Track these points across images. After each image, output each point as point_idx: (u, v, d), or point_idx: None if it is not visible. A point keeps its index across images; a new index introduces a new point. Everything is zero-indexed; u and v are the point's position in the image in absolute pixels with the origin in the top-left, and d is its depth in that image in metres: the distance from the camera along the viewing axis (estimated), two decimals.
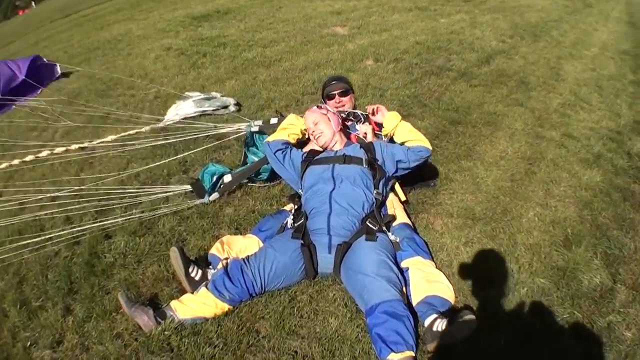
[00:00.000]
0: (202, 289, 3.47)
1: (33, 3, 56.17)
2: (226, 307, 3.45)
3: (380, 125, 4.59)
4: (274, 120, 5.33)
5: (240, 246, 3.92)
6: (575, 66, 10.54)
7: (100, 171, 5.71)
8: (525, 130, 6.70)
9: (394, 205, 4.27)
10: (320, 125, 4.34)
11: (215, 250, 3.87)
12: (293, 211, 4.20)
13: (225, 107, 7.13)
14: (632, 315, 3.54)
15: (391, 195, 4.40)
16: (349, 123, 4.85)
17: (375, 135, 4.66)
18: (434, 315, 3.24)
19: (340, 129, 4.48)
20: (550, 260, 4.06)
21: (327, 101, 4.95)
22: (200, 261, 3.89)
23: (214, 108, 7.05)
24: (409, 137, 4.26)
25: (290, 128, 4.59)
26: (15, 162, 6.23)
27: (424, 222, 4.52)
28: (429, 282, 3.49)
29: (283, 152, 4.41)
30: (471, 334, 3.07)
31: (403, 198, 4.49)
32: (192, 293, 3.52)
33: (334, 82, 4.99)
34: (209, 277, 3.65)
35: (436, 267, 3.75)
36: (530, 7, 16.46)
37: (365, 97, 7.42)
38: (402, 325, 3.02)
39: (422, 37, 11.17)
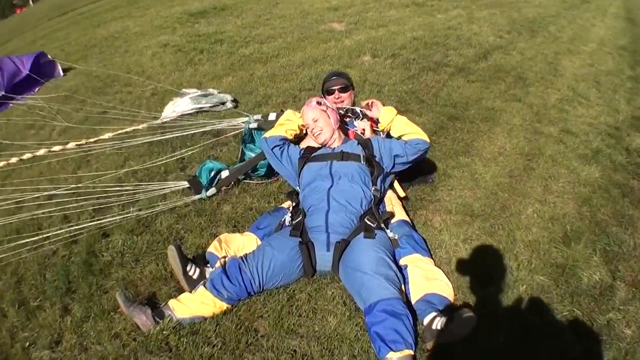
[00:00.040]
0: (200, 288, 3.45)
1: (30, 1, 56.08)
2: (224, 306, 3.43)
3: (376, 121, 4.57)
4: (272, 116, 5.31)
5: (238, 244, 3.91)
6: (573, 62, 10.53)
7: (97, 169, 5.71)
8: (523, 126, 6.69)
9: (392, 202, 4.26)
10: (320, 123, 4.29)
11: (213, 248, 3.85)
12: (291, 209, 4.18)
13: (222, 103, 7.12)
14: (631, 313, 3.53)
15: (389, 192, 4.40)
16: (347, 119, 4.82)
17: (374, 131, 4.63)
18: (433, 314, 3.23)
19: (339, 125, 4.46)
20: (550, 257, 4.05)
21: (327, 96, 4.92)
22: (198, 259, 3.87)
23: (211, 105, 7.03)
24: (405, 131, 4.22)
25: (287, 124, 4.56)
26: (13, 160, 6.22)
27: (423, 218, 4.51)
28: (428, 279, 3.48)
29: (280, 148, 4.38)
30: (470, 332, 3.06)
31: (402, 194, 4.49)
32: (190, 292, 3.50)
33: (334, 78, 4.96)
34: (207, 275, 3.63)
35: (435, 265, 3.74)
36: (527, 3, 16.44)
37: (363, 93, 7.41)
38: (401, 324, 3.01)
39: (420, 32, 11.15)
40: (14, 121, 7.91)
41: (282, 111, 5.04)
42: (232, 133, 6.01)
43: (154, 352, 3.17)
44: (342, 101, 4.85)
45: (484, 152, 5.80)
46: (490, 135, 6.30)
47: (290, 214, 4.08)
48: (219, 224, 4.52)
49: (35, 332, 3.49)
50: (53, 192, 5.14)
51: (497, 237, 4.27)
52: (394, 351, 2.89)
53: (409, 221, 4.18)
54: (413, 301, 3.39)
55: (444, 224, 4.42)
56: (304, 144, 4.60)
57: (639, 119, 7.43)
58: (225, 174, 4.96)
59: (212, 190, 4.87)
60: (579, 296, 3.65)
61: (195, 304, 3.38)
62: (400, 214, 4.13)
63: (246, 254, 3.66)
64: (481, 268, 3.89)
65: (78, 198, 4.95)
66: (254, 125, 5.30)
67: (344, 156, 4.13)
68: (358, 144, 4.26)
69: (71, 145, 6.32)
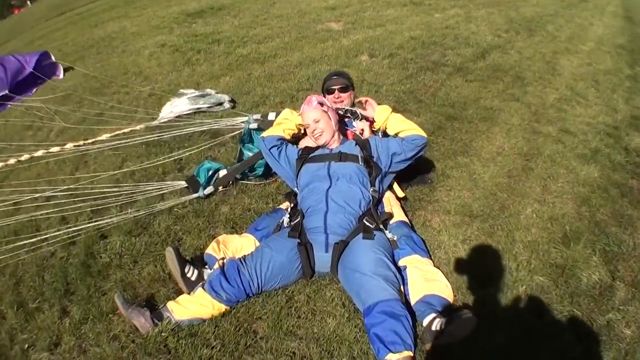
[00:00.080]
0: (199, 290, 3.45)
1: (28, 2, 56.02)
2: (223, 307, 3.43)
3: (372, 120, 4.56)
4: (271, 116, 5.31)
5: (236, 245, 3.90)
6: (572, 61, 10.52)
7: (95, 170, 5.70)
8: (521, 126, 6.68)
9: (390, 203, 4.26)
10: (320, 124, 4.24)
11: (211, 250, 3.85)
12: (289, 209, 4.16)
13: (220, 104, 7.10)
14: (631, 313, 3.53)
15: (388, 193, 4.39)
16: (346, 120, 4.81)
17: (373, 132, 4.62)
18: (433, 315, 3.23)
19: (338, 126, 4.44)
20: (549, 257, 4.05)
21: (326, 95, 4.90)
22: (196, 261, 3.88)
23: (209, 105, 7.02)
24: (401, 127, 4.20)
25: (285, 123, 4.55)
26: (11, 161, 6.21)
27: (421, 219, 4.50)
28: (427, 280, 3.47)
29: (278, 148, 4.37)
30: (470, 333, 3.06)
31: (401, 195, 4.48)
32: (189, 294, 3.50)
33: (335, 77, 4.94)
34: (206, 277, 3.63)
35: (434, 265, 3.73)
36: (525, 1, 16.43)
37: (361, 93, 7.34)
38: (400, 325, 3.01)
39: (417, 32, 11.13)
40: (12, 122, 7.91)
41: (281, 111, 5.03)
42: (231, 134, 5.99)
43: (152, 354, 3.16)
44: (342, 101, 4.83)
45: (482, 152, 5.80)
46: (488, 135, 6.29)
47: (288, 215, 4.07)
48: (217, 225, 4.51)
49: (34, 334, 3.48)
50: (51, 193, 5.13)
51: (496, 237, 4.26)
52: (393, 352, 2.89)
53: (408, 222, 4.17)
54: (412, 302, 3.39)
55: (443, 225, 4.41)
56: (302, 144, 4.58)
57: (637, 119, 7.43)
58: (223, 173, 4.95)
59: (210, 189, 4.86)
60: (579, 296, 3.65)
61: (193, 306, 3.37)
62: (399, 215, 4.12)
63: (244, 256, 3.65)
64: (480, 269, 3.88)
65: (76, 199, 4.93)
66: (253, 125, 5.29)
67: (341, 157, 4.12)
68: (356, 144, 4.25)
69: (69, 146, 6.31)
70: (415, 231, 4.14)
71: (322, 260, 3.63)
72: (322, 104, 4.33)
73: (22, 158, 6.23)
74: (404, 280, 3.51)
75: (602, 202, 4.94)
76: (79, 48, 12.87)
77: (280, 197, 4.80)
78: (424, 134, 4.11)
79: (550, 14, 15.18)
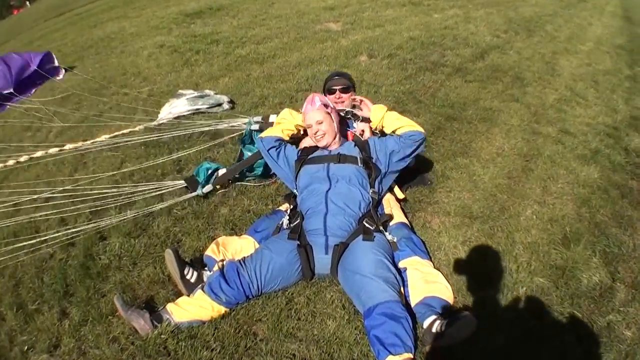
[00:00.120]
0: (198, 292, 3.44)
1: (27, 2, 56.01)
2: (223, 309, 3.42)
3: (367, 120, 4.55)
4: (272, 118, 5.29)
5: (235, 247, 3.89)
6: (571, 61, 10.53)
7: (94, 171, 5.68)
8: (521, 127, 6.68)
9: (390, 204, 4.25)
10: (323, 126, 4.20)
11: (210, 251, 3.84)
12: (289, 211, 4.16)
13: (219, 104, 7.10)
14: (631, 314, 3.53)
15: (387, 194, 4.38)
16: (347, 120, 4.79)
17: (373, 133, 4.61)
18: (433, 317, 3.22)
19: (339, 128, 4.43)
20: (549, 258, 4.05)
21: (327, 95, 4.88)
22: (196, 263, 3.87)
23: (208, 106, 7.01)
24: (397, 125, 4.19)
25: (283, 123, 4.54)
26: (10, 162, 6.20)
27: (421, 220, 4.50)
28: (428, 282, 3.46)
29: (277, 149, 4.36)
30: (470, 334, 3.05)
31: (401, 196, 4.48)
32: (188, 295, 3.49)
33: (336, 77, 4.92)
34: (205, 279, 3.63)
35: (434, 267, 3.73)
36: (524, 1, 16.45)
37: (360, 94, 7.27)
38: (401, 327, 3.00)
39: (416, 32, 11.13)
40: (11, 123, 7.89)
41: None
42: (230, 136, 5.98)
43: (152, 356, 3.16)
44: (343, 101, 4.82)
45: (482, 153, 5.79)
46: (488, 135, 6.29)
47: (288, 217, 4.06)
48: (216, 226, 4.50)
49: (34, 335, 3.48)
50: (50, 194, 5.12)
51: (496, 239, 4.25)
52: (393, 355, 2.88)
53: (408, 223, 4.17)
54: (412, 304, 3.38)
55: (443, 226, 4.40)
56: (302, 145, 4.56)
57: (637, 119, 7.44)
58: (222, 172, 4.94)
59: (209, 187, 4.85)
60: (579, 298, 3.64)
61: (193, 308, 3.36)
62: (398, 216, 4.12)
63: (244, 257, 3.65)
64: (480, 270, 3.88)
65: (75, 200, 4.92)
66: (255, 126, 5.28)
67: (340, 159, 4.12)
68: (355, 145, 4.24)
69: (68, 147, 6.30)
70: (415, 233, 4.14)
71: (322, 262, 3.63)
72: (326, 105, 4.29)
73: (21, 159, 6.22)
74: (404, 282, 3.50)
75: (602, 203, 4.94)
76: (78, 48, 12.87)
77: (279, 198, 4.79)
78: (421, 130, 4.10)
79: (549, 14, 15.20)
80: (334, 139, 4.27)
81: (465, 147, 5.92)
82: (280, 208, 4.43)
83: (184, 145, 5.97)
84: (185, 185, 5.03)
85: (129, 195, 4.93)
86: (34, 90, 9.43)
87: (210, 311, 3.38)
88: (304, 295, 3.60)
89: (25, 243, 4.35)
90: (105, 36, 13.39)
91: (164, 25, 12.96)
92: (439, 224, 4.45)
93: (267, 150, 4.33)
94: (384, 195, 4.29)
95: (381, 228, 3.86)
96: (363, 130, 4.54)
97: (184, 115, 6.89)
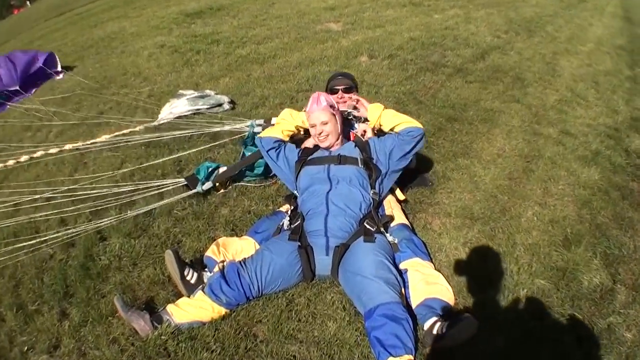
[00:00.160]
0: (199, 293, 3.43)
1: (28, 2, 56.00)
2: (223, 310, 3.41)
3: (364, 120, 4.55)
4: (274, 120, 5.28)
5: (236, 248, 3.88)
6: (571, 62, 10.53)
7: (94, 171, 5.67)
8: (522, 127, 6.68)
9: (391, 206, 4.24)
10: (328, 128, 4.18)
11: (211, 252, 3.83)
12: (289, 212, 4.16)
13: (220, 105, 7.09)
14: (632, 317, 3.53)
15: (388, 195, 4.36)
16: (352, 121, 4.78)
17: (375, 133, 4.60)
18: (434, 318, 3.22)
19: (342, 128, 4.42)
20: (550, 260, 4.04)
21: (330, 95, 4.89)
22: (196, 264, 3.86)
23: (208, 106, 7.01)
24: (395, 122, 4.16)
25: (283, 124, 4.52)
26: (10, 162, 6.19)
27: (422, 222, 4.49)
28: (428, 284, 3.46)
29: (276, 150, 4.35)
30: (471, 336, 3.04)
31: (402, 197, 4.48)
32: (189, 297, 3.48)
33: (339, 77, 4.92)
34: (205, 280, 3.62)
35: (435, 269, 3.72)
36: (524, 2, 16.44)
37: (360, 94, 7.35)
38: (401, 329, 2.99)
39: (417, 33, 11.14)
40: (11, 123, 7.88)
41: None
42: (232, 138, 5.98)
43: (152, 357, 3.15)
44: (345, 102, 4.82)
45: (483, 153, 5.79)
46: (489, 136, 6.29)
47: (288, 218, 4.06)
48: (216, 227, 4.49)
49: (34, 336, 3.47)
50: (50, 194, 5.12)
51: (497, 240, 4.25)
52: (393, 356, 2.87)
53: (409, 224, 4.16)
54: (413, 306, 3.37)
55: (444, 227, 4.40)
56: (304, 145, 4.54)
57: (637, 120, 7.44)
58: (223, 169, 4.94)
59: (209, 184, 4.86)
60: (580, 300, 3.64)
61: (193, 309, 3.35)
62: (399, 218, 4.11)
63: (245, 259, 3.64)
64: (481, 272, 3.87)
65: (75, 199, 4.93)
66: (258, 129, 5.29)
67: (341, 160, 4.11)
68: (355, 146, 4.23)
69: (68, 147, 6.29)
70: (416, 234, 4.13)
71: (323, 263, 3.62)
72: (332, 106, 4.25)
73: (22, 159, 6.22)
74: (405, 284, 3.49)
75: (603, 204, 4.93)
76: (78, 48, 12.88)
77: (280, 199, 4.79)
78: (419, 125, 4.07)
79: (550, 15, 15.19)
80: (337, 140, 4.26)
81: (466, 148, 5.92)
82: (281, 209, 4.42)
83: (184, 145, 5.97)
84: (186, 183, 5.03)
85: (129, 194, 4.93)
86: (34, 91, 9.42)
87: (211, 312, 3.37)
88: (304, 296, 3.59)
89: (25, 243, 4.34)
90: (105, 36, 13.41)
91: (165, 25, 12.98)
92: (440, 225, 4.45)
93: (267, 152, 4.33)
94: (385, 196, 4.28)
95: (382, 229, 3.85)
96: (365, 131, 4.52)
97: (184, 116, 6.88)
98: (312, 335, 3.30)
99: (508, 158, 5.72)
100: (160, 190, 4.98)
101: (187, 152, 5.72)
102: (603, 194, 5.12)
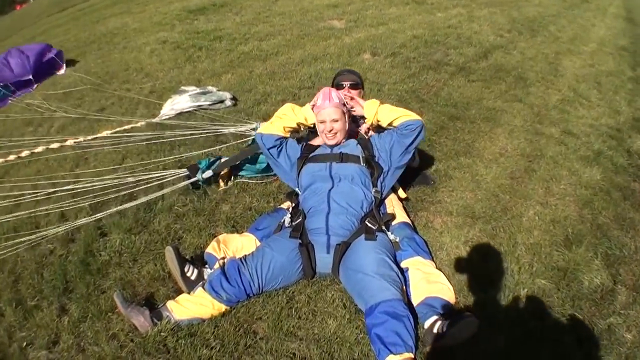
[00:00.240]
0: (199, 289, 3.43)
1: None
2: (223, 307, 3.41)
3: (360, 118, 4.53)
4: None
5: (236, 245, 3.89)
6: (574, 62, 10.51)
7: (95, 167, 5.67)
8: (524, 127, 6.67)
9: (392, 204, 4.23)
10: (338, 125, 4.11)
11: (211, 249, 3.83)
12: (290, 210, 4.15)
13: (222, 101, 7.09)
14: (632, 317, 3.53)
15: (390, 194, 4.35)
16: (358, 119, 4.77)
17: (373, 131, 4.59)
18: (435, 317, 3.22)
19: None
20: (551, 260, 4.04)
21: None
22: (197, 260, 3.87)
23: (210, 102, 7.00)
24: (393, 116, 4.08)
25: (284, 120, 4.35)
26: (11, 157, 6.19)
27: (424, 220, 4.49)
28: (429, 282, 3.46)
29: (278, 148, 4.27)
30: (471, 335, 3.04)
31: (403, 195, 4.47)
32: (189, 293, 3.48)
33: (346, 73, 4.90)
34: (205, 276, 3.62)
35: (436, 267, 3.72)
36: (527, 1, 16.42)
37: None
38: (402, 326, 2.99)
39: (420, 31, 11.13)
40: (13, 117, 7.87)
41: None
42: (237, 142, 5.96)
43: (151, 353, 3.15)
44: (352, 98, 4.80)
45: (485, 152, 5.78)
46: (491, 135, 6.28)
47: (289, 215, 4.05)
48: (217, 223, 4.49)
49: (33, 331, 3.47)
50: (52, 189, 5.11)
51: (499, 239, 4.25)
52: (393, 354, 2.87)
53: (410, 223, 4.16)
54: (414, 304, 3.38)
55: (445, 226, 4.39)
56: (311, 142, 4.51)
57: (639, 121, 7.40)
58: (225, 159, 4.94)
59: (209, 173, 4.86)
60: (580, 300, 3.64)
61: (193, 306, 3.36)
62: (401, 216, 4.10)
63: (245, 256, 3.64)
64: (482, 271, 3.87)
65: (76, 195, 4.91)
66: None
67: (343, 158, 4.08)
68: (357, 144, 4.20)
69: (69, 142, 6.29)
70: (417, 232, 4.13)
71: (324, 261, 3.62)
72: (343, 104, 4.18)
73: (22, 154, 6.21)
74: (406, 282, 3.49)
75: (605, 204, 4.92)
76: (81, 44, 12.87)
77: (281, 196, 4.78)
78: (417, 117, 4.01)
79: (553, 15, 15.17)
80: (344, 137, 4.23)
81: (468, 146, 5.91)
82: (282, 206, 4.42)
83: (185, 142, 5.96)
84: (187, 173, 5.02)
85: (130, 185, 4.93)
86: (35, 86, 9.42)
87: (211, 309, 3.37)
88: (304, 294, 3.59)
89: (25, 239, 4.34)
90: (108, 32, 13.39)
91: (167, 21, 12.96)
92: (441, 223, 4.44)
93: (268, 150, 4.28)
94: (387, 194, 4.27)
95: (383, 227, 3.85)
96: (368, 129, 4.51)
97: (186, 112, 6.88)
98: (312, 332, 3.30)
99: (510, 157, 5.71)
100: (161, 182, 4.98)
101: (189, 152, 5.71)
102: (605, 195, 5.12)
